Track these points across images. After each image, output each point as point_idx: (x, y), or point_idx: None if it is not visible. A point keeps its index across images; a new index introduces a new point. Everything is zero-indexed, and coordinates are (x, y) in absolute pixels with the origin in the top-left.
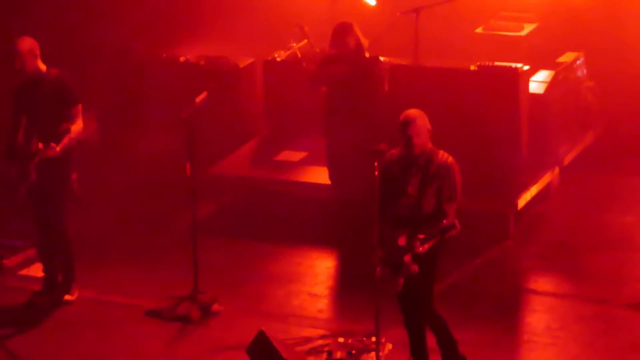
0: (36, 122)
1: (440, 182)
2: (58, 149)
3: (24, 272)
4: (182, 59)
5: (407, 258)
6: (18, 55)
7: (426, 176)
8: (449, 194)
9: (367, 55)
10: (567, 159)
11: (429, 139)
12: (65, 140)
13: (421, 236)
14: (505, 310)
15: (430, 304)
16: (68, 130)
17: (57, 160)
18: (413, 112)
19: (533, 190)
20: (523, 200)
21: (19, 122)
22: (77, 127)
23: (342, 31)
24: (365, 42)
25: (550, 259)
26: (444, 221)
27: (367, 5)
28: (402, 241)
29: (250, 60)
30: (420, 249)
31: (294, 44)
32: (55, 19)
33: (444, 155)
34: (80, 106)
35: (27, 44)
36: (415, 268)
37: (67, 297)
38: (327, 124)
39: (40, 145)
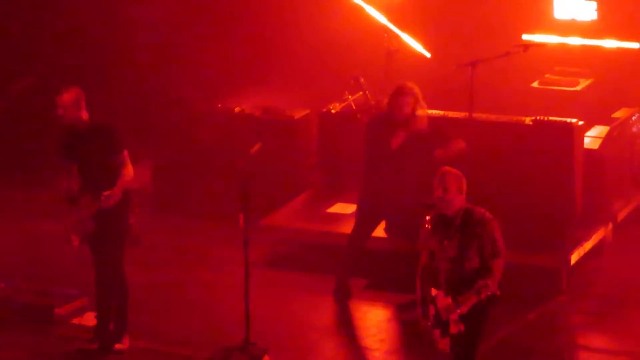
0: (87, 173)
1: (480, 240)
2: (112, 196)
3: (76, 320)
4: (237, 109)
5: (454, 317)
6: (62, 106)
7: (464, 237)
8: (491, 250)
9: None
10: (621, 215)
11: (463, 198)
12: (119, 186)
13: (460, 299)
14: None
15: None
16: (120, 176)
17: (114, 206)
18: (448, 168)
19: (586, 246)
20: (576, 256)
21: (69, 170)
22: (127, 171)
23: (399, 92)
24: (422, 106)
25: (603, 315)
26: (490, 280)
27: (422, 57)
28: (445, 302)
29: (306, 111)
30: (459, 310)
31: (349, 96)
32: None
33: (480, 212)
34: (126, 152)
35: (73, 94)
36: (461, 327)
37: (118, 346)
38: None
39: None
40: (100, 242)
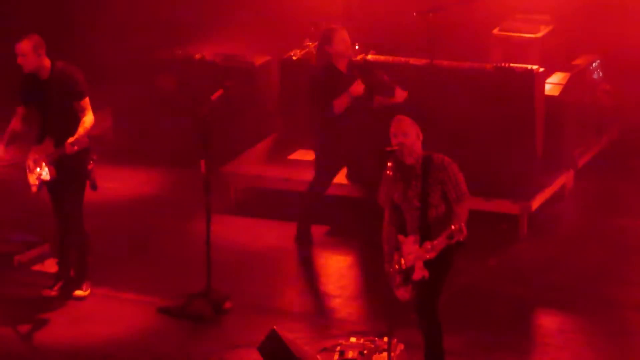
0: (48, 119)
1: (443, 185)
2: (75, 146)
3: (37, 267)
4: (197, 56)
5: (419, 264)
6: (22, 54)
7: (426, 184)
8: (455, 195)
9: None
10: (582, 162)
11: (420, 145)
12: (81, 132)
13: (429, 244)
14: (518, 312)
15: (433, 310)
16: (81, 123)
17: (75, 153)
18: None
19: (547, 192)
20: (537, 202)
21: (24, 113)
22: (88, 118)
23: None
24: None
25: (563, 260)
26: (455, 225)
27: (382, 4)
28: (412, 247)
29: (266, 58)
30: (428, 255)
31: (310, 43)
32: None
33: (439, 157)
34: (88, 98)
35: (31, 42)
36: (425, 274)
37: (78, 292)
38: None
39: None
40: (60, 188)
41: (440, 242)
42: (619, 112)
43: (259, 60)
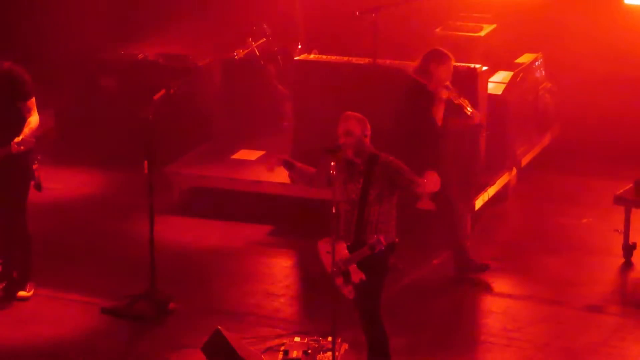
0: None
1: (393, 182)
2: (21, 145)
3: None
4: (140, 56)
5: (353, 267)
6: None
7: (368, 180)
8: (407, 181)
9: None
10: (525, 160)
11: (367, 142)
12: (27, 133)
13: (354, 254)
14: (462, 311)
15: (374, 311)
16: (27, 123)
17: (18, 153)
18: (351, 112)
19: (491, 191)
20: (480, 201)
21: None
22: (34, 118)
23: None
24: None
25: (506, 260)
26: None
27: (325, 3)
28: (342, 253)
29: (209, 58)
30: (343, 267)
31: (253, 42)
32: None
33: (384, 156)
34: (34, 99)
35: None
36: (362, 276)
37: (22, 293)
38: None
39: None
40: (4, 188)
41: (362, 252)
42: (561, 110)
43: (202, 60)
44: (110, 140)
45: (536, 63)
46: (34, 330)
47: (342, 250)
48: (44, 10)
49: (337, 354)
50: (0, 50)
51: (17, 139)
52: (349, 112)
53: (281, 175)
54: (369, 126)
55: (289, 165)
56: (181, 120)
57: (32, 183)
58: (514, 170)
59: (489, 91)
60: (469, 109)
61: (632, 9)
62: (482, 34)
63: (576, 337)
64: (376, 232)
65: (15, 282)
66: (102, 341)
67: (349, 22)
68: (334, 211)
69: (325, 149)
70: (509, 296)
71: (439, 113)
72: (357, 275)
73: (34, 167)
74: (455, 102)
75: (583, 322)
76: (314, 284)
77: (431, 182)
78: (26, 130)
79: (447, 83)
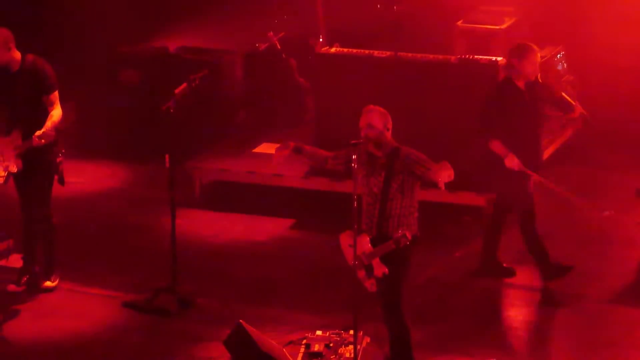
0: (17, 111)
1: (412, 173)
2: (42, 139)
3: (1, 262)
4: (162, 50)
5: (376, 261)
6: None
7: (390, 174)
8: (424, 169)
9: None
10: (547, 153)
11: (389, 135)
12: (49, 126)
13: (379, 248)
14: (485, 304)
15: (397, 305)
16: (49, 117)
17: (43, 145)
18: (373, 106)
19: None
20: None
21: None
22: (57, 112)
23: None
24: None
25: (527, 252)
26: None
27: None
28: (364, 248)
29: (231, 51)
30: (366, 261)
31: (274, 36)
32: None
33: (405, 150)
34: (57, 92)
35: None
36: (385, 270)
37: (47, 284)
38: None
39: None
40: (28, 181)
41: (387, 246)
42: (583, 103)
43: (224, 53)
44: (131, 133)
45: (558, 56)
46: (55, 323)
47: (366, 243)
48: (66, 3)
49: (358, 347)
50: (24, 43)
51: (38, 132)
52: (371, 106)
53: (302, 169)
54: (390, 120)
55: (296, 150)
56: (203, 114)
57: (56, 177)
58: None
59: None
60: (570, 100)
61: None
62: (504, 26)
63: (599, 329)
64: (399, 225)
65: (39, 275)
66: (123, 335)
67: (370, 15)
68: (355, 205)
69: (347, 143)
70: (533, 289)
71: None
72: (381, 269)
73: (58, 160)
74: (557, 95)
75: (606, 315)
76: (335, 277)
77: (443, 170)
78: (48, 124)
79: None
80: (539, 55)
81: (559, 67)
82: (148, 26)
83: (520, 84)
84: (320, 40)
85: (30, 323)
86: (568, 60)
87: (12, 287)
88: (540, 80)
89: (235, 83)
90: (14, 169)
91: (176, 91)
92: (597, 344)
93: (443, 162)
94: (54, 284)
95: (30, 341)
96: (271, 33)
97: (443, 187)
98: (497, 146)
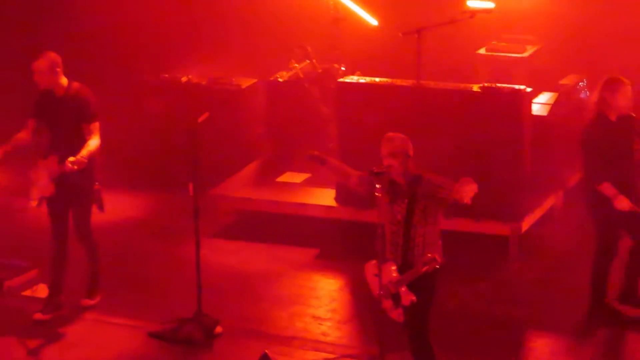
0: (57, 136)
1: (433, 197)
2: (75, 165)
3: (27, 292)
4: (184, 79)
5: (403, 289)
6: (37, 71)
7: (412, 200)
8: (447, 191)
9: None
10: (571, 182)
11: (411, 162)
12: (83, 154)
13: (407, 274)
14: (510, 334)
15: (424, 333)
16: (86, 145)
17: (81, 172)
18: (394, 133)
19: (537, 213)
20: (527, 223)
21: (34, 127)
22: (94, 141)
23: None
24: None
25: (554, 281)
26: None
27: (369, 25)
28: (390, 276)
29: (253, 80)
30: (393, 290)
31: (296, 65)
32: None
33: (427, 177)
34: (98, 123)
35: (47, 60)
36: (412, 298)
37: (86, 301)
38: None
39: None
40: (62, 206)
41: (415, 272)
42: None
43: (246, 82)
44: (155, 162)
45: (580, 84)
46: (80, 354)
47: (392, 272)
48: (90, 34)
49: None
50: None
51: (71, 158)
52: (391, 133)
53: (327, 198)
54: (411, 146)
55: (320, 161)
56: (226, 143)
57: (95, 205)
58: (560, 192)
59: (534, 112)
60: None
61: None
62: (526, 54)
63: (626, 356)
64: (424, 252)
65: (64, 305)
66: None
67: (392, 43)
68: (379, 233)
69: (370, 172)
70: (558, 318)
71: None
72: (408, 297)
73: (95, 187)
74: None
75: (631, 343)
76: (360, 307)
77: (464, 185)
78: (83, 152)
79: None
80: (630, 88)
81: (582, 95)
82: (172, 55)
83: (613, 117)
84: (343, 69)
85: (56, 353)
86: (591, 88)
87: (38, 316)
88: (633, 114)
89: (258, 112)
90: (46, 193)
91: (199, 120)
92: None
93: (462, 179)
94: (93, 302)
95: None
96: (294, 62)
97: (469, 202)
98: (606, 188)
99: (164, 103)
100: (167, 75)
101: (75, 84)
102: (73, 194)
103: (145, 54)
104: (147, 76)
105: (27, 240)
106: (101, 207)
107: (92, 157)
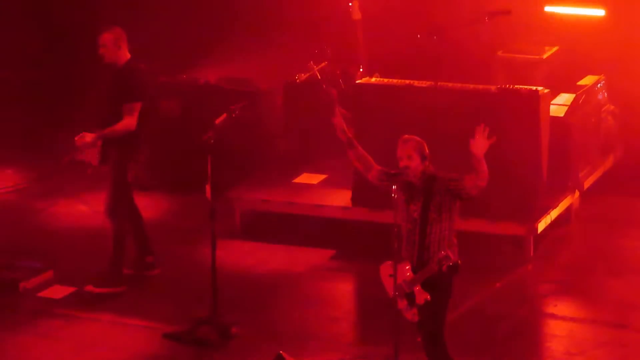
0: (102, 109)
1: (448, 191)
2: (82, 138)
3: (42, 293)
4: (202, 81)
5: (417, 288)
6: (102, 44)
7: (427, 198)
8: (457, 181)
9: None
10: (588, 183)
11: (427, 164)
12: (106, 132)
13: (421, 272)
14: (525, 335)
15: (438, 333)
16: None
17: (112, 149)
18: (409, 135)
19: (553, 214)
20: (543, 224)
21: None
22: (123, 122)
23: None
24: None
25: (569, 283)
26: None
27: (387, 26)
28: (405, 275)
29: (271, 82)
30: (407, 289)
31: (314, 66)
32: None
33: (442, 176)
34: (134, 104)
35: (112, 34)
36: (427, 297)
37: (90, 287)
38: None
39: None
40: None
41: (429, 270)
42: (624, 133)
43: (263, 83)
44: (172, 164)
45: (598, 85)
46: (95, 355)
47: (407, 271)
48: None
49: None
50: None
51: (86, 133)
52: (407, 135)
53: (343, 199)
54: (427, 148)
55: (349, 143)
56: (243, 144)
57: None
58: (577, 193)
59: (551, 114)
60: None
61: None
62: (544, 56)
63: None
64: (439, 250)
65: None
66: None
67: (410, 45)
68: (395, 234)
69: (387, 174)
70: (572, 319)
71: None
72: (422, 296)
73: (130, 165)
74: None
75: None
76: (375, 308)
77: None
78: (106, 131)
79: None
80: None
81: (600, 97)
82: (189, 56)
83: None
84: (361, 70)
85: (71, 354)
86: (609, 89)
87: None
88: None
89: (276, 113)
90: (93, 161)
91: (217, 121)
92: None
93: (477, 128)
94: (96, 290)
95: None
96: (312, 63)
97: (482, 156)
98: None
99: (180, 104)
100: (184, 77)
101: (133, 62)
102: (109, 167)
103: (163, 55)
104: (165, 77)
105: (43, 242)
106: (144, 188)
107: (107, 137)
